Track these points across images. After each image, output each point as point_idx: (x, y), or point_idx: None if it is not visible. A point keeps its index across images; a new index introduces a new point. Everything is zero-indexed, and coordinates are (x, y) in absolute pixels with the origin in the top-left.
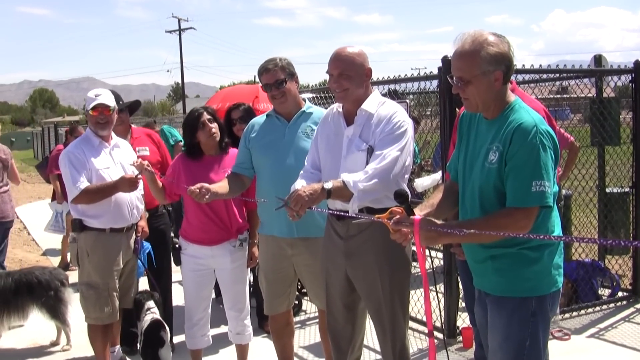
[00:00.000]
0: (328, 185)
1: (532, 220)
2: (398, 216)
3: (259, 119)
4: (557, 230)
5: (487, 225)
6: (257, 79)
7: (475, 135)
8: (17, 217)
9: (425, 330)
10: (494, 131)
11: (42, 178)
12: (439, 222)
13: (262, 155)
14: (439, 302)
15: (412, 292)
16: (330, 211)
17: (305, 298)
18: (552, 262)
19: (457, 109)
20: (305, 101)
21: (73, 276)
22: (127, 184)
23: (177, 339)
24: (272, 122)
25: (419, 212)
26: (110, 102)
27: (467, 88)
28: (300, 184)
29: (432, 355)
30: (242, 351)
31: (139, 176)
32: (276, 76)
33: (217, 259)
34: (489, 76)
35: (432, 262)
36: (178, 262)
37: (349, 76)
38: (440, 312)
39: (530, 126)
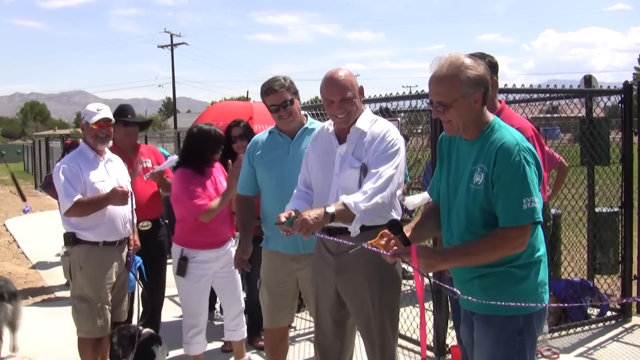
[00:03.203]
0: (331, 209)
1: (528, 237)
2: (395, 247)
3: (262, 137)
4: (543, 248)
5: (485, 248)
6: (249, 95)
7: (456, 157)
8: (7, 230)
9: (415, 348)
10: (476, 152)
11: (52, 197)
12: (435, 247)
13: (266, 173)
14: (428, 320)
15: (401, 309)
16: (326, 236)
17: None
18: (538, 280)
19: None
20: (306, 117)
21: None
22: (118, 196)
23: (171, 353)
24: (275, 139)
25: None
26: (111, 116)
27: (448, 112)
28: (294, 205)
29: None
30: (238, 347)
31: (131, 191)
32: (283, 97)
33: (220, 260)
34: (469, 99)
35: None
36: (183, 273)
37: (350, 99)
38: (429, 329)
39: (512, 145)
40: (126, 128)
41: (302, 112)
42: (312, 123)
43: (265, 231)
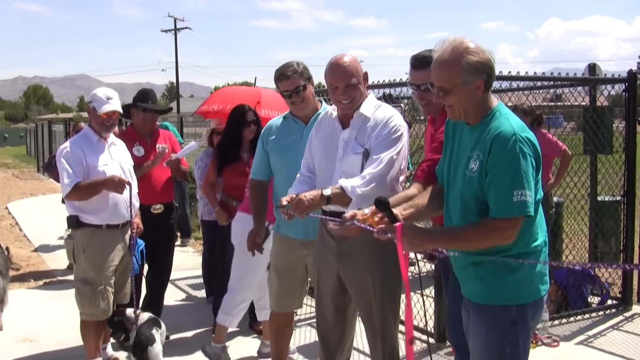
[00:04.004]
0: (327, 191)
1: (517, 229)
2: (382, 225)
3: (276, 122)
4: (542, 238)
5: (474, 235)
6: (255, 82)
7: (459, 141)
8: (9, 213)
9: (416, 334)
10: (475, 138)
11: (53, 179)
12: (423, 227)
13: (279, 158)
14: (424, 306)
15: (403, 295)
16: (319, 216)
17: None
18: (534, 271)
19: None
20: (321, 102)
21: None
22: (114, 183)
23: (172, 337)
24: (289, 125)
25: (402, 212)
26: (120, 108)
27: (448, 97)
28: (297, 189)
29: None
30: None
31: (129, 180)
32: (296, 83)
33: None
34: (469, 85)
35: (419, 267)
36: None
37: (354, 85)
38: (426, 316)
39: (509, 134)
40: (145, 113)
41: (317, 98)
42: (325, 109)
43: (277, 216)
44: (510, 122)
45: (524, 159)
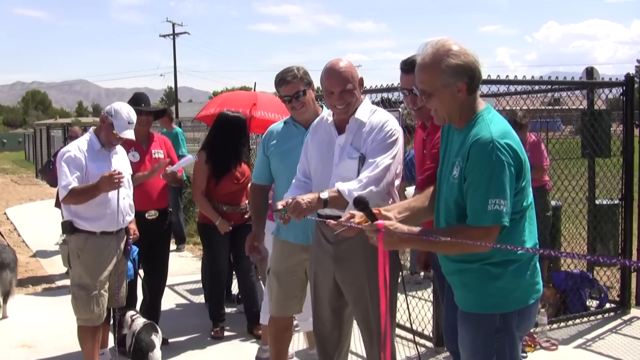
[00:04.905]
0: (324, 195)
1: (492, 238)
2: (364, 223)
3: (277, 127)
4: (529, 244)
5: (448, 240)
6: (255, 87)
7: (450, 145)
8: (8, 219)
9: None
10: (460, 143)
11: (48, 183)
12: (405, 227)
13: (280, 163)
14: (408, 309)
15: (401, 297)
16: (317, 219)
17: None
18: (520, 279)
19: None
20: (322, 108)
21: None
22: (107, 182)
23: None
24: (290, 130)
25: (396, 215)
26: (134, 137)
27: (431, 100)
28: (293, 194)
29: None
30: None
31: (122, 177)
32: (296, 88)
33: None
34: (451, 88)
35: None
36: None
37: (350, 90)
38: (428, 320)
39: (486, 141)
40: (139, 116)
41: (318, 103)
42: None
43: (276, 221)
44: (490, 128)
45: (501, 167)
